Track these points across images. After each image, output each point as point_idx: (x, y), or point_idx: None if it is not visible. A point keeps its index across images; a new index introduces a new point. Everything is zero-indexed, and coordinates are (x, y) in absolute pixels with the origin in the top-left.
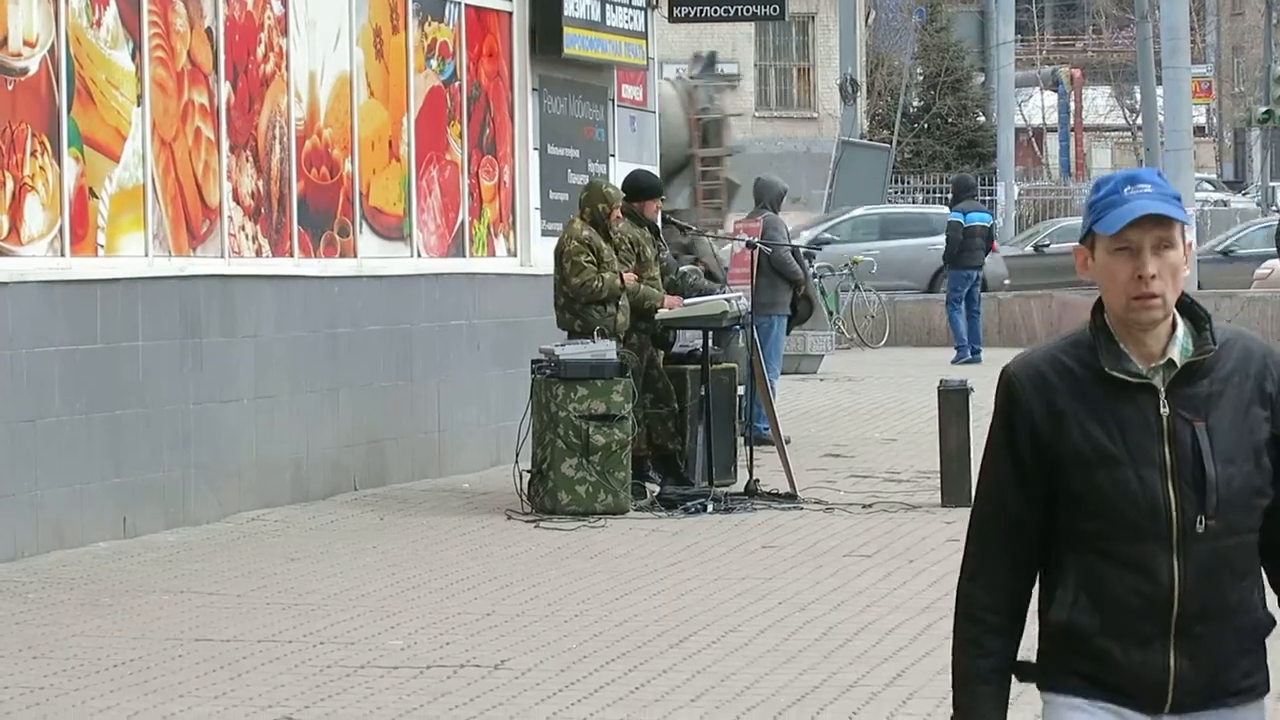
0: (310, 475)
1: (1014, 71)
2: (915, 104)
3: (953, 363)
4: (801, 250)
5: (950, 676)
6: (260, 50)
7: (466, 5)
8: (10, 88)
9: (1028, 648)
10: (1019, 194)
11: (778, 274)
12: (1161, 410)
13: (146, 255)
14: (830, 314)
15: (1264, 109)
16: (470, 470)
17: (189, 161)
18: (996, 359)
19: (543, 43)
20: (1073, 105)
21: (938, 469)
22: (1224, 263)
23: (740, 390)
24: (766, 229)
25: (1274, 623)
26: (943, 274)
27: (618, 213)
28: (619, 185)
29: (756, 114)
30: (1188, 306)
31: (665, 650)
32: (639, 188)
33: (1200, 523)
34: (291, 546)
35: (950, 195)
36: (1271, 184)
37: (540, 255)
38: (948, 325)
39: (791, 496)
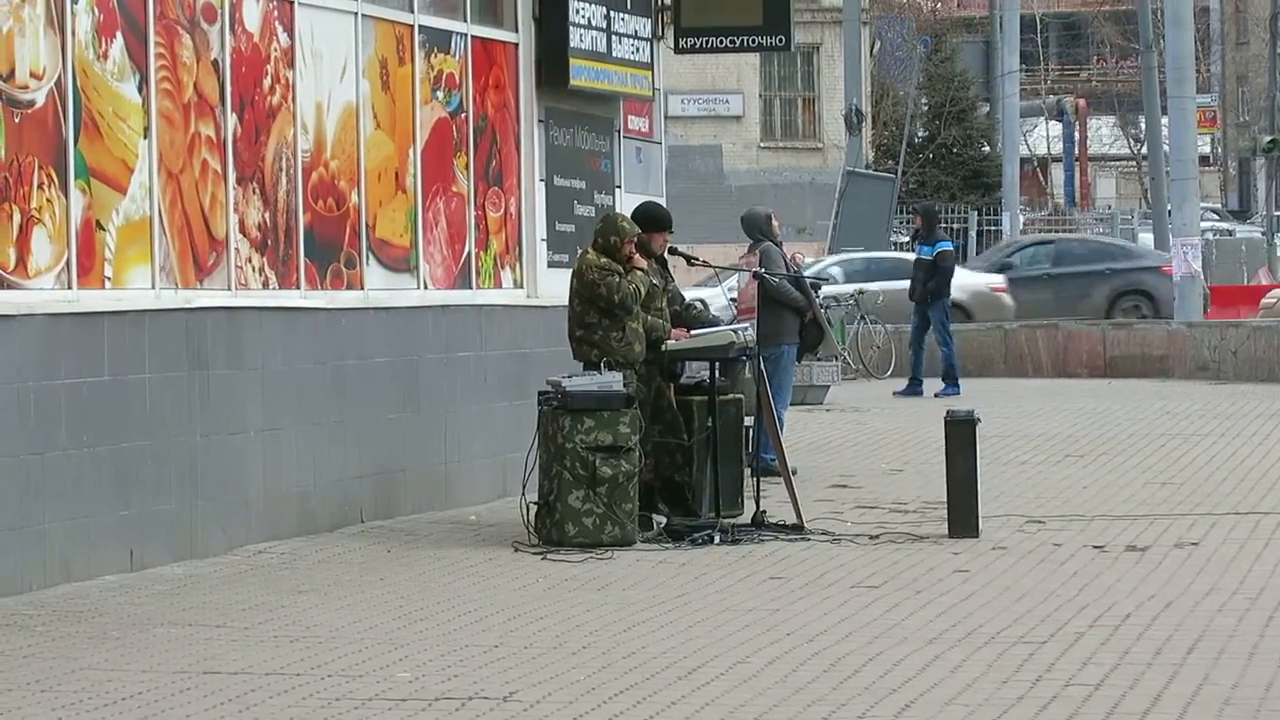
0: (318, 507)
1: (1019, 101)
2: (920, 134)
3: (940, 394)
4: (806, 278)
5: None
6: (267, 82)
7: (473, 37)
8: (17, 120)
9: None
10: (1024, 224)
11: (780, 303)
12: None
13: (153, 288)
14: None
15: (1269, 138)
16: (477, 502)
17: (195, 194)
18: (1001, 390)
19: (549, 74)
20: (1077, 135)
21: (944, 499)
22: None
23: (748, 421)
24: (764, 259)
25: None
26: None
27: (630, 247)
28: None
29: (761, 144)
30: None
31: (674, 682)
32: (647, 219)
33: None
34: (299, 579)
35: (923, 227)
36: (1276, 213)
37: (547, 287)
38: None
39: (798, 528)
